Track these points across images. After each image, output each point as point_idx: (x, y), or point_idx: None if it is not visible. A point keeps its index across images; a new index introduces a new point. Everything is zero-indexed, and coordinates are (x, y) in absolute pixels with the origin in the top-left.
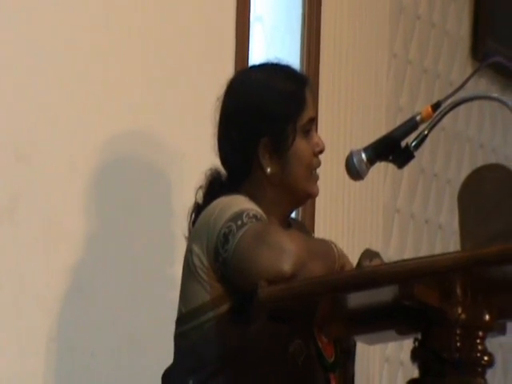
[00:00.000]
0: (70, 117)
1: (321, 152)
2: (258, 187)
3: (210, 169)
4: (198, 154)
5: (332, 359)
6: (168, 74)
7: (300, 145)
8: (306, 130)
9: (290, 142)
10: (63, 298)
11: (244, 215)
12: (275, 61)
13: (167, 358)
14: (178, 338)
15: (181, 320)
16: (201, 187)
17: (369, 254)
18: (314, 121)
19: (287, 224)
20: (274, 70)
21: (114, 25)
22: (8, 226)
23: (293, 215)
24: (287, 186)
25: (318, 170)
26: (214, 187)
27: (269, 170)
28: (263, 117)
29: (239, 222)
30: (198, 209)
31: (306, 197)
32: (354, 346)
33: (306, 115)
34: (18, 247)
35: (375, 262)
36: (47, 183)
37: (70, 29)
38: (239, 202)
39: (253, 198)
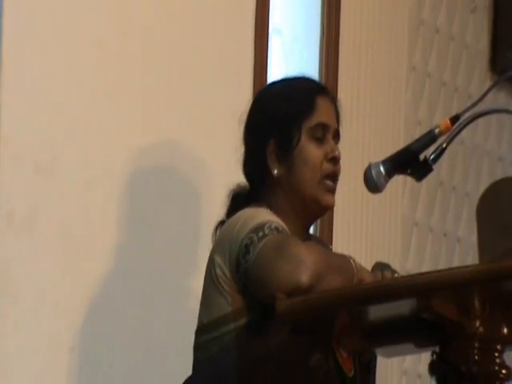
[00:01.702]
0: (90, 128)
1: (334, 159)
2: (271, 195)
3: (237, 185)
4: (219, 165)
5: (351, 374)
6: (188, 86)
7: (306, 146)
8: (316, 136)
9: (295, 143)
10: (82, 310)
11: (266, 227)
12: (300, 74)
13: (186, 370)
14: (198, 349)
15: (201, 330)
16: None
17: (380, 266)
18: (326, 128)
19: (306, 239)
20: (292, 79)
21: (136, 39)
22: (27, 238)
23: (311, 230)
24: (295, 189)
25: (338, 185)
26: (237, 202)
27: (275, 171)
28: (270, 119)
29: (260, 234)
30: (222, 225)
31: (316, 204)
32: (375, 360)
33: (315, 119)
34: (37, 259)
35: (386, 273)
36: (67, 195)
37: (92, 44)
38: (262, 215)
39: (269, 207)
